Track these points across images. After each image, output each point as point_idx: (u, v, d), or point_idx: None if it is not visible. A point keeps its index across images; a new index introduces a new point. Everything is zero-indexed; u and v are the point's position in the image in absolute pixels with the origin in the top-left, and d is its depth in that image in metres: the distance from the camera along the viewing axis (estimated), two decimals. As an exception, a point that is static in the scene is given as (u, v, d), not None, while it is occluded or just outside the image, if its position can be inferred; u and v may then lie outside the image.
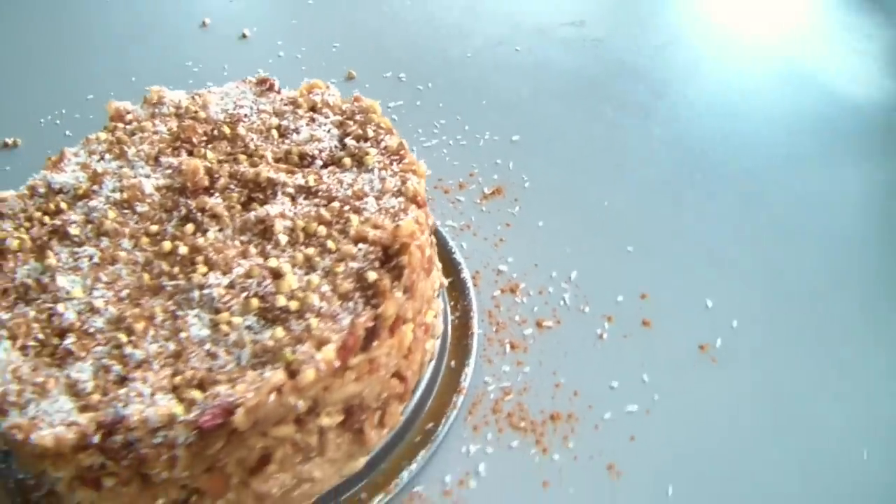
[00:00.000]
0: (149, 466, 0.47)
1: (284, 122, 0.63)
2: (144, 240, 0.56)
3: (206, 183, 0.58)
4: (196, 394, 0.47)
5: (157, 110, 0.65)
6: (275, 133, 0.62)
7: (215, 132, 0.63)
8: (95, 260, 0.55)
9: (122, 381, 0.49)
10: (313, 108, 0.64)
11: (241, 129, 0.62)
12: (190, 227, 0.56)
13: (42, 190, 0.60)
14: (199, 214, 0.56)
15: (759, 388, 0.58)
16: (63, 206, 0.59)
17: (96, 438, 0.46)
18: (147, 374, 0.48)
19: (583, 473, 0.54)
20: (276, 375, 0.46)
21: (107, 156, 0.62)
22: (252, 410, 0.46)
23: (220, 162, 0.60)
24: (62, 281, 0.54)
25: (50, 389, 0.49)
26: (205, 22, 0.94)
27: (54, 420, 0.47)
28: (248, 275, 0.52)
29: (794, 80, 0.88)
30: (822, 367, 0.60)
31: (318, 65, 0.85)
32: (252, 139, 0.61)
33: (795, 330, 0.62)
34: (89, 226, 0.57)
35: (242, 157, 0.60)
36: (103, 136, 0.64)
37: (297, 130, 0.62)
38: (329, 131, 0.61)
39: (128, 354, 0.49)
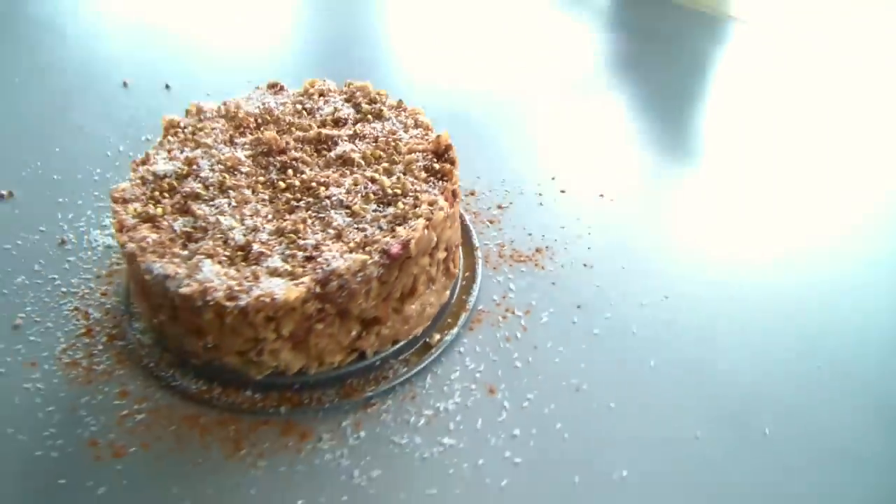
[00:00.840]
0: (354, 301, 0.71)
1: (307, 105, 0.88)
2: (259, 187, 0.78)
3: (283, 145, 0.82)
4: (369, 248, 0.72)
5: (201, 117, 0.87)
6: (304, 113, 0.87)
7: (259, 120, 0.86)
8: (233, 204, 0.76)
9: (310, 259, 0.71)
10: (321, 94, 0.89)
11: (278, 114, 0.86)
12: (290, 172, 0.79)
13: (150, 178, 0.79)
14: (292, 163, 0.80)
15: (644, 207, 0.95)
16: (175, 184, 0.79)
17: (318, 289, 0.69)
18: (328, 249, 0.72)
19: (570, 271, 0.86)
20: (421, 221, 0.73)
21: (185, 149, 0.82)
22: (418, 241, 0.72)
23: (279, 135, 0.84)
24: (220, 219, 0.74)
25: (260, 276, 0.70)
26: (125, 82, 1.13)
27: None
28: (354, 184, 0.77)
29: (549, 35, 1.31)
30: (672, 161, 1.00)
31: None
32: (291, 119, 0.86)
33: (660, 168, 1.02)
34: (210, 188, 0.78)
35: (293, 129, 0.85)
36: (171, 139, 0.84)
37: (319, 109, 0.88)
38: (342, 105, 0.88)
39: (303, 244, 0.72)
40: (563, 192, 0.96)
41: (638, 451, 0.71)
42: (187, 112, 0.87)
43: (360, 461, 0.70)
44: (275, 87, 0.90)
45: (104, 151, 1.01)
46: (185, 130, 0.84)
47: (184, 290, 0.68)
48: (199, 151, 0.81)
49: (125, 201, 0.77)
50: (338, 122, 0.85)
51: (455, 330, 0.80)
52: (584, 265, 0.87)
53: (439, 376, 0.77)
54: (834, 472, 0.70)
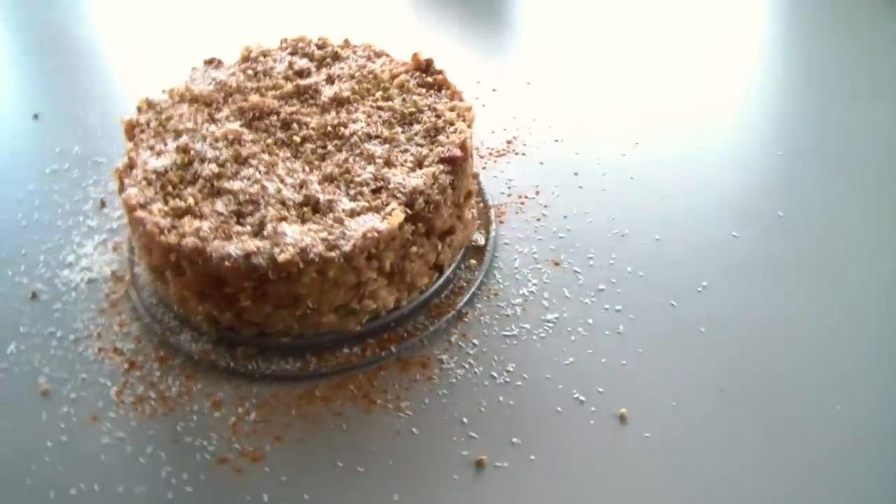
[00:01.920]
0: (439, 213, 0.71)
1: (258, 69, 0.83)
2: (275, 148, 0.74)
3: (273, 106, 0.77)
4: (427, 163, 0.72)
5: (158, 108, 0.79)
6: (262, 76, 0.82)
7: (222, 95, 0.80)
8: (263, 170, 0.72)
9: (377, 190, 0.70)
10: (265, 55, 0.84)
11: (237, 84, 0.81)
12: (295, 127, 0.76)
13: (152, 177, 0.72)
14: (291, 118, 0.76)
15: (586, 88, 1.02)
16: (182, 174, 0.72)
17: (409, 210, 0.68)
18: (391, 175, 0.71)
19: (548, 149, 0.92)
20: (461, 123, 0.74)
21: (167, 141, 0.75)
22: (468, 145, 0.73)
23: (250, 99, 0.79)
24: (266, 185, 0.70)
25: (343, 218, 0.67)
26: (37, 115, 0.99)
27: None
28: (368, 116, 0.76)
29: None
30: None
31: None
32: (253, 85, 0.81)
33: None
34: (226, 165, 0.72)
35: (262, 91, 0.80)
36: (143, 136, 0.76)
37: (272, 68, 0.83)
38: (293, 58, 0.84)
39: (360, 180, 0.71)
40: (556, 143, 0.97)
41: (715, 267, 0.79)
42: (139, 109, 0.79)
43: (490, 364, 0.72)
44: (213, 63, 0.85)
45: (13, 196, 0.88)
46: (150, 126, 0.77)
47: (281, 257, 0.64)
48: (185, 138, 0.75)
49: (143, 206, 0.69)
50: (301, 74, 0.83)
51: (493, 226, 0.83)
52: (556, 140, 0.93)
53: (504, 269, 0.80)
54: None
